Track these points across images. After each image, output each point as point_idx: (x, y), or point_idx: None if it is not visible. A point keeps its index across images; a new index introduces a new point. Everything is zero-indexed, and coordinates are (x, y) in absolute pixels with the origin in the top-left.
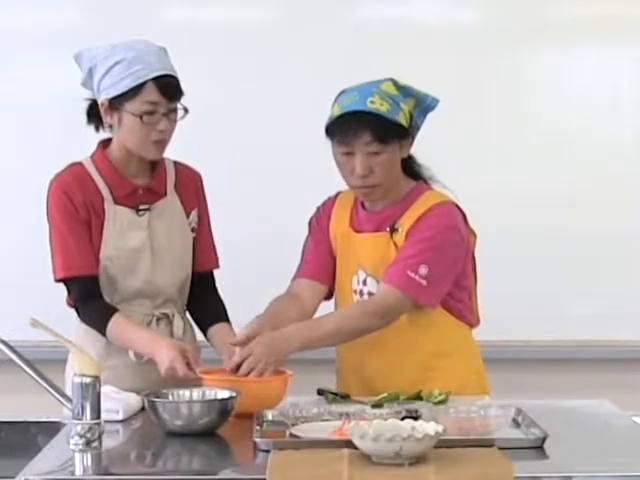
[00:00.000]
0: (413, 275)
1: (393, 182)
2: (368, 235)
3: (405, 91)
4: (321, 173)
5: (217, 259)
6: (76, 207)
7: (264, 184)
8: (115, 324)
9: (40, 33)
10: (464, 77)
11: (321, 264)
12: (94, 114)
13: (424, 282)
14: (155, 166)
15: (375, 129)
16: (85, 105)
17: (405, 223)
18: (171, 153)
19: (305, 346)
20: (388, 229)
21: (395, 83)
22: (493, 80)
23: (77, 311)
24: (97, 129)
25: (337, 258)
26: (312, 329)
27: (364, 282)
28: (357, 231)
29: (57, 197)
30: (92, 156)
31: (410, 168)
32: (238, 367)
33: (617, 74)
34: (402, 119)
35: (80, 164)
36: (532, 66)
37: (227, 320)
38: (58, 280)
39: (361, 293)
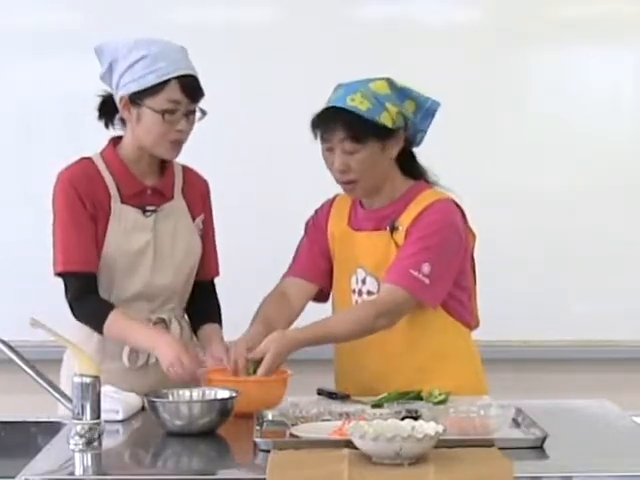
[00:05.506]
0: (416, 274)
1: (378, 181)
2: (368, 233)
3: (403, 92)
4: (322, 174)
5: (217, 267)
6: (83, 201)
7: (264, 185)
8: (113, 320)
9: (40, 33)
10: (464, 77)
11: (312, 263)
12: (106, 110)
13: (427, 280)
14: (165, 167)
15: (349, 127)
16: (97, 101)
17: (405, 221)
18: None
19: (314, 345)
20: (388, 228)
21: (391, 83)
22: (493, 80)
23: (71, 308)
24: (107, 126)
25: (335, 258)
26: (322, 330)
27: (363, 281)
28: (356, 229)
29: (64, 189)
30: (102, 152)
31: (410, 169)
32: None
33: (617, 74)
34: (386, 119)
35: (89, 159)
36: (532, 66)
37: (218, 321)
38: (57, 274)
39: (360, 292)
